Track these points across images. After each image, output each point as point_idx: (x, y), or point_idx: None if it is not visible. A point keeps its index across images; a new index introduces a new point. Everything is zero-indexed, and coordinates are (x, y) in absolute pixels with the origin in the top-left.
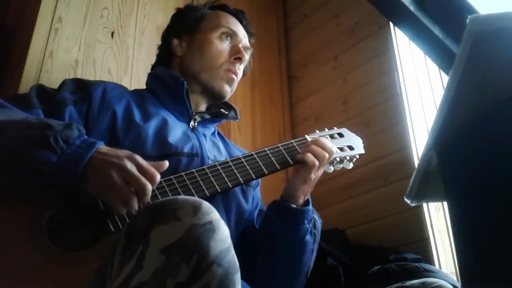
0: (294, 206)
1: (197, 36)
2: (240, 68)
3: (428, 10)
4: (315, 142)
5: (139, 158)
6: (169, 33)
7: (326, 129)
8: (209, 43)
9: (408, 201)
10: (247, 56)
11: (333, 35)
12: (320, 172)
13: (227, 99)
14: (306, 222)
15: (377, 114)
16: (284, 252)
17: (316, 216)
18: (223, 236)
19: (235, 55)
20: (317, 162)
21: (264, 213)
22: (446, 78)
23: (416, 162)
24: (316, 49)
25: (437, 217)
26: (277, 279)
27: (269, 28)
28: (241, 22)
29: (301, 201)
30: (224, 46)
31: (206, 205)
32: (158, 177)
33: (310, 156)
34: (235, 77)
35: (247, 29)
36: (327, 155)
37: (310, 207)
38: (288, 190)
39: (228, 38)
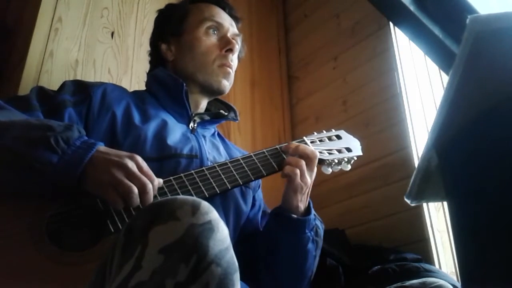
0: (295, 216)
1: (184, 37)
2: (233, 59)
3: (428, 10)
4: (293, 151)
5: (139, 158)
6: (156, 39)
7: (324, 131)
8: (197, 41)
9: (408, 201)
10: (237, 45)
11: (333, 35)
12: (308, 178)
13: (227, 92)
14: (307, 231)
15: (377, 114)
16: (287, 260)
17: (318, 222)
18: (222, 235)
19: (226, 47)
20: (297, 171)
21: (266, 220)
22: (446, 78)
23: (416, 162)
24: (316, 49)
25: (437, 217)
26: (281, 284)
27: (269, 28)
28: (224, 9)
29: (301, 209)
30: (212, 40)
31: (205, 204)
32: (156, 181)
33: (288, 168)
34: (230, 70)
35: (231, 14)
36: (303, 163)
37: (312, 215)
38: (285, 201)
39: (215, 31)
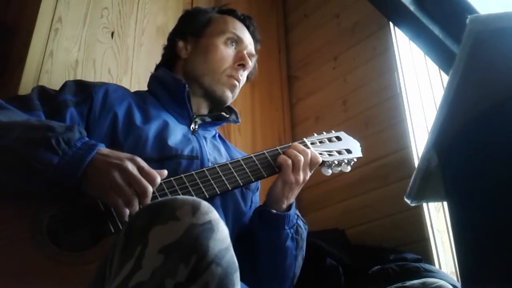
0: (274, 211)
1: (203, 39)
2: (243, 75)
3: (428, 10)
4: (294, 146)
5: (140, 160)
6: (175, 35)
7: (324, 133)
8: (214, 48)
9: (408, 201)
10: (251, 63)
11: (333, 35)
12: (301, 176)
13: (228, 104)
14: (286, 227)
15: (377, 114)
16: (266, 257)
17: (300, 222)
18: (222, 235)
19: (239, 61)
20: (289, 162)
21: (249, 218)
22: (446, 78)
23: (416, 162)
24: (316, 49)
25: (437, 217)
26: (262, 283)
27: (269, 28)
28: (248, 28)
29: (284, 206)
30: (229, 51)
31: (205, 204)
32: (158, 180)
33: (282, 157)
34: (237, 83)
35: (253, 35)
36: (301, 158)
37: (292, 212)
38: (270, 194)
39: (234, 44)
